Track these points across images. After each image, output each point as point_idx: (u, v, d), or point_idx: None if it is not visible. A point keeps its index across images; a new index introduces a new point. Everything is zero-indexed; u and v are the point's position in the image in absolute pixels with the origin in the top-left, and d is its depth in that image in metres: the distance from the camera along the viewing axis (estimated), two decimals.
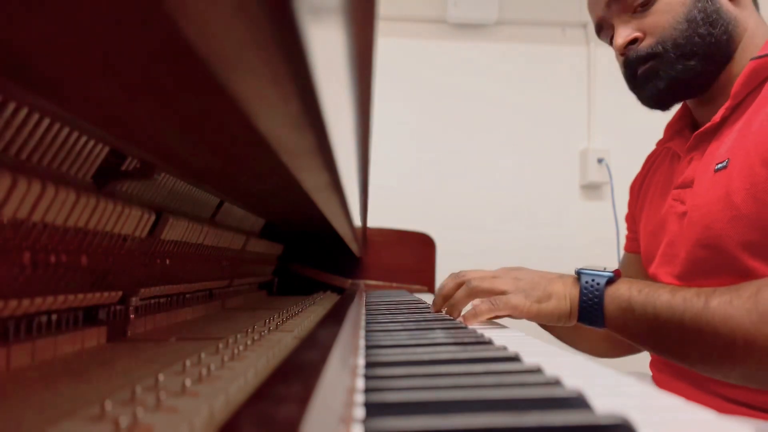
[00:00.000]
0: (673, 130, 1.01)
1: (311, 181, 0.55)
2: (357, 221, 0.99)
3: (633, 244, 1.12)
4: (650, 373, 1.05)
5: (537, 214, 2.27)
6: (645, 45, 0.90)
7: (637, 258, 1.08)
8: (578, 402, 0.33)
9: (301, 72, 0.23)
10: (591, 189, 2.29)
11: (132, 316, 0.63)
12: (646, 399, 0.39)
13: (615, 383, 0.44)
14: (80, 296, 0.51)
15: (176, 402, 0.32)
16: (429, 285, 1.66)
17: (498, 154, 2.29)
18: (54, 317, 0.49)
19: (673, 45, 0.88)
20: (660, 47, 0.88)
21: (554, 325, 0.90)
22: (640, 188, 1.10)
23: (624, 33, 0.92)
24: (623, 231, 2.11)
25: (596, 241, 2.22)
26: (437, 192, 2.26)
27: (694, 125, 0.97)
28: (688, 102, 0.98)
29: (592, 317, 0.80)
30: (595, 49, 2.29)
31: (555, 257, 2.23)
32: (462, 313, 0.84)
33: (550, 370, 0.42)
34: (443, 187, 2.27)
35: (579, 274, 0.82)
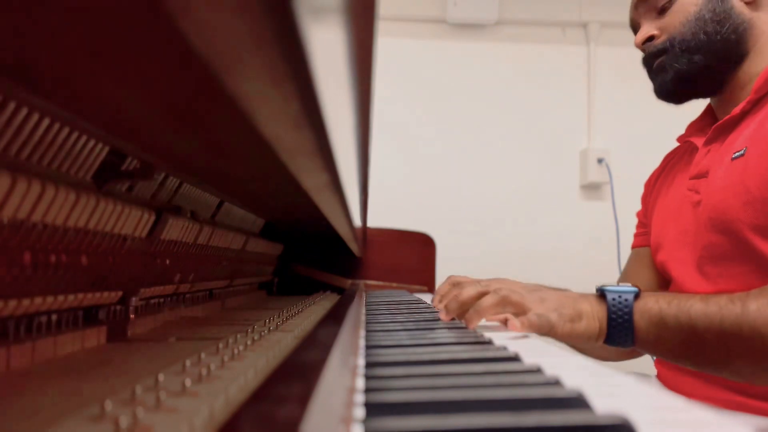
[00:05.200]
0: (694, 128, 1.05)
1: (311, 181, 0.55)
2: (357, 221, 0.99)
3: (643, 239, 1.13)
4: (652, 372, 1.05)
5: (537, 213, 2.27)
6: (659, 41, 0.98)
7: (647, 252, 1.09)
8: (578, 402, 0.33)
9: (301, 72, 0.23)
10: (591, 189, 2.29)
11: (132, 316, 0.63)
12: (646, 398, 0.39)
13: (615, 383, 0.44)
14: (80, 296, 0.51)
15: (176, 402, 0.32)
16: (429, 285, 1.66)
17: (498, 154, 2.29)
18: (54, 317, 0.49)
19: (680, 41, 0.95)
20: (668, 43, 0.96)
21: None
22: (655, 183, 1.13)
23: (644, 31, 1.00)
24: (623, 231, 2.13)
25: (596, 241, 2.22)
26: (437, 192, 2.26)
27: (715, 123, 1.00)
28: (711, 103, 1.02)
29: (621, 336, 0.77)
30: (595, 49, 2.29)
31: (555, 257, 2.23)
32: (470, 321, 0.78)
33: (550, 370, 0.42)
34: (443, 187, 2.27)
35: (603, 291, 0.78)
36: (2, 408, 0.33)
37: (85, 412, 0.30)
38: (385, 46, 2.12)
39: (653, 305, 0.76)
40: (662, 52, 0.97)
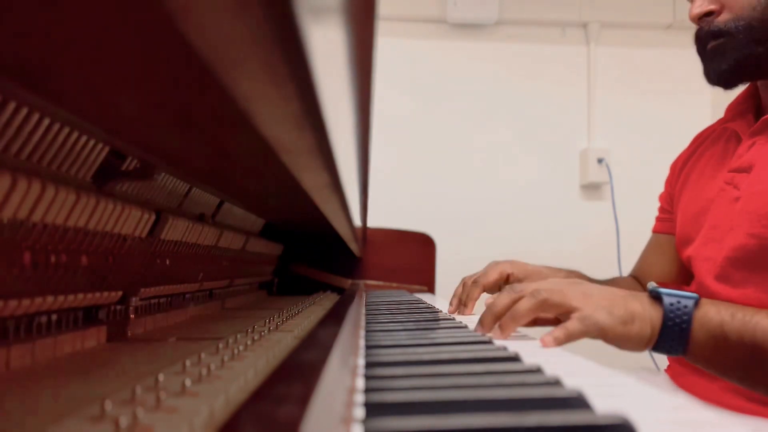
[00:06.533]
0: (735, 111, 0.97)
1: (311, 181, 0.55)
2: (357, 221, 0.99)
3: (665, 225, 1.07)
4: (657, 369, 1.04)
5: (537, 214, 2.27)
6: (719, 20, 0.86)
7: (669, 239, 1.04)
8: (578, 402, 0.33)
9: (301, 72, 0.23)
10: (591, 189, 2.29)
11: (132, 316, 0.63)
12: (646, 398, 0.39)
13: (615, 383, 0.44)
14: (80, 296, 0.51)
15: (176, 402, 0.32)
16: (429, 285, 1.66)
17: (498, 154, 2.29)
18: (54, 317, 0.49)
19: (746, 26, 0.84)
20: (732, 25, 0.85)
21: None
22: (683, 167, 1.05)
23: (701, 4, 0.88)
24: (623, 231, 2.13)
25: (596, 241, 2.22)
26: (437, 192, 2.26)
27: (758, 108, 0.94)
28: (759, 83, 0.94)
29: (673, 345, 0.69)
30: (595, 49, 2.28)
31: (555, 257, 2.23)
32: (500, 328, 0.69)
33: (550, 370, 0.42)
34: (443, 187, 2.27)
35: (658, 293, 0.70)
36: (2, 408, 0.33)
37: (85, 412, 0.30)
38: (385, 46, 2.12)
39: (714, 316, 0.69)
40: (722, 34, 0.85)
